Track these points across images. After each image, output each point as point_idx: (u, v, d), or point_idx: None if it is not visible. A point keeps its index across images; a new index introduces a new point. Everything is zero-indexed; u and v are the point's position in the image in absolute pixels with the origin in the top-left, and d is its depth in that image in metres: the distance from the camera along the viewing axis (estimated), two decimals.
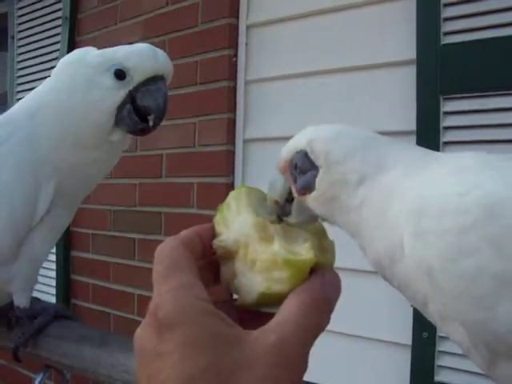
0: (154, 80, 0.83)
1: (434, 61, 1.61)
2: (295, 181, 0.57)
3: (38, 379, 0.71)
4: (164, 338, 0.36)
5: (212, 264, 0.45)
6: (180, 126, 2.28)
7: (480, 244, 0.47)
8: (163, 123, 2.37)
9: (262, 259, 0.40)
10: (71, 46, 2.87)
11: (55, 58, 2.96)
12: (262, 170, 2.08)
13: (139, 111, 0.83)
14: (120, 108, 0.82)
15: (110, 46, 2.68)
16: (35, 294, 0.88)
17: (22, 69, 3.24)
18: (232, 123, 2.14)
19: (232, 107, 2.14)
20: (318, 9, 1.93)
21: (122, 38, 2.60)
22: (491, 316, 0.46)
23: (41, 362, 0.69)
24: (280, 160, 0.59)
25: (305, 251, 0.40)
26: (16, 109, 0.91)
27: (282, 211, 0.52)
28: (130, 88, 0.82)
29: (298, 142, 0.59)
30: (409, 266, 0.52)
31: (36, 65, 3.11)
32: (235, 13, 2.15)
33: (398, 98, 1.73)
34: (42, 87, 0.89)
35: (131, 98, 0.83)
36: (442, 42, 1.61)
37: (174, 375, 0.34)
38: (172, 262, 0.40)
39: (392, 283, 0.59)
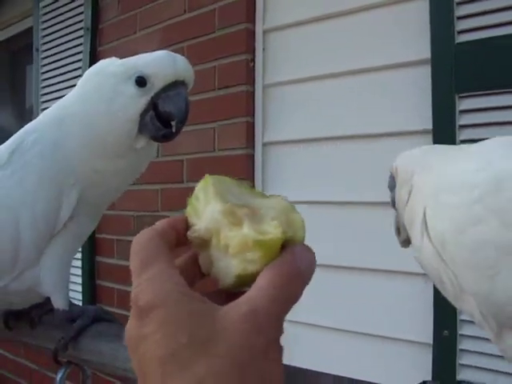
0: (175, 85, 0.84)
1: (448, 60, 1.61)
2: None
3: (60, 375, 0.74)
4: (145, 321, 0.38)
5: (196, 258, 0.46)
6: (200, 131, 2.31)
7: (486, 216, 0.49)
8: (185, 129, 2.41)
9: (233, 243, 0.42)
10: (93, 56, 2.93)
11: (78, 68, 3.03)
12: (281, 173, 2.10)
13: (161, 117, 0.84)
14: (143, 115, 0.83)
15: (130, 55, 2.73)
16: None
17: (46, 80, 3.31)
18: (251, 127, 2.17)
19: (250, 111, 2.17)
20: (333, 12, 1.94)
21: (142, 46, 2.65)
22: (493, 285, 0.48)
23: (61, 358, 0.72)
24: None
25: (273, 229, 0.42)
26: (42, 118, 0.93)
27: None
28: (152, 95, 0.83)
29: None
30: (428, 241, 0.55)
31: (59, 75, 3.18)
32: (252, 18, 2.18)
33: (413, 97, 1.73)
34: (67, 97, 0.91)
35: (153, 104, 0.84)
36: (457, 41, 1.61)
37: (157, 354, 0.37)
38: (148, 252, 0.42)
39: (422, 266, 0.63)
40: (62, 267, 0.89)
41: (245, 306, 0.39)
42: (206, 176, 0.47)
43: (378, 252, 1.78)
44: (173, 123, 0.85)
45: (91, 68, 0.90)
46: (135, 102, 0.82)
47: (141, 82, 0.81)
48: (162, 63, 0.83)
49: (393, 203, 0.71)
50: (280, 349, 0.41)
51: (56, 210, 0.84)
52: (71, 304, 0.88)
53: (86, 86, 0.87)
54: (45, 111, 0.96)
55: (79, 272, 2.92)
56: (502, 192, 0.50)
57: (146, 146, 0.87)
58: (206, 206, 0.45)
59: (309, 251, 0.43)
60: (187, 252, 0.48)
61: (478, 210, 0.50)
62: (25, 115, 4.13)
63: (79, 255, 2.94)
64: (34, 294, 0.88)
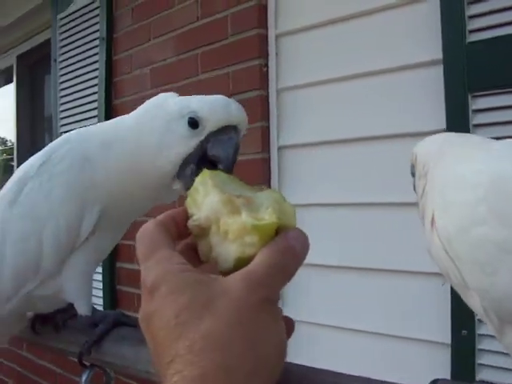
0: (227, 130, 0.79)
1: (460, 59, 1.62)
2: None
3: (84, 377, 0.76)
4: (154, 297, 0.43)
5: (192, 246, 0.50)
6: None
7: (488, 215, 0.51)
8: None
9: (232, 229, 0.46)
10: (109, 65, 2.98)
11: (95, 77, 3.07)
12: (296, 176, 2.12)
13: (207, 161, 0.79)
14: (186, 159, 0.80)
15: (145, 63, 2.77)
16: None
17: (63, 89, 3.37)
18: (266, 131, 2.18)
19: (265, 115, 2.18)
20: (344, 15, 1.96)
21: (156, 54, 2.68)
22: (492, 281, 0.50)
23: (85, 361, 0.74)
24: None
25: (268, 216, 0.46)
26: (82, 132, 0.93)
27: None
28: (202, 138, 0.79)
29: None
30: (436, 237, 0.58)
31: (76, 84, 3.23)
32: (264, 23, 2.20)
33: (426, 98, 1.74)
34: (120, 121, 0.90)
35: (202, 149, 0.79)
36: (468, 40, 1.61)
37: (164, 321, 0.41)
38: (151, 241, 0.47)
39: (433, 259, 0.65)
40: (84, 277, 0.90)
41: (242, 271, 0.44)
42: (204, 170, 0.52)
43: (396, 253, 1.78)
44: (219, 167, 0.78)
45: (153, 99, 0.87)
46: (185, 142, 0.79)
47: (193, 123, 0.78)
48: (215, 106, 0.79)
49: (414, 189, 0.73)
50: (276, 308, 0.45)
51: (78, 224, 0.85)
52: (94, 310, 0.90)
53: (142, 117, 0.85)
54: (94, 127, 0.96)
55: (100, 277, 2.96)
56: (502, 193, 0.52)
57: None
58: (206, 197, 0.49)
59: (301, 233, 0.47)
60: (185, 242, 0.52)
61: (480, 209, 0.52)
62: (44, 124, 4.20)
63: None
64: (58, 299, 0.92)
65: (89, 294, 0.90)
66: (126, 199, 0.86)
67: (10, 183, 0.91)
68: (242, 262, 0.45)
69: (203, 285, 0.43)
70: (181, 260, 0.45)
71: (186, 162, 0.80)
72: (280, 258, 0.45)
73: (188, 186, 0.77)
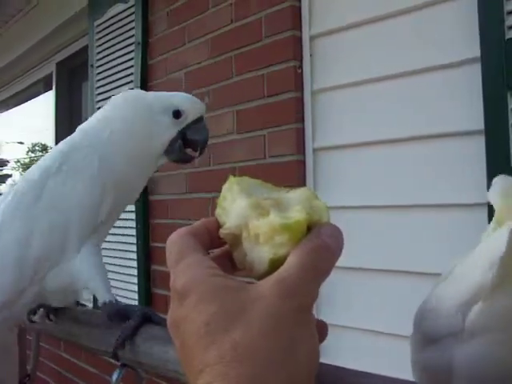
0: (200, 119, 1.05)
1: (499, 57, 1.57)
2: None
3: (115, 377, 0.76)
4: (183, 304, 0.41)
5: (228, 255, 0.49)
6: (250, 139, 2.33)
7: None
8: (235, 137, 2.44)
9: (263, 231, 0.44)
10: (145, 69, 3.01)
11: (130, 82, 3.11)
12: (332, 178, 2.09)
13: (187, 144, 1.05)
14: (172, 142, 1.04)
15: (180, 66, 2.80)
16: None
17: (100, 94, 3.42)
18: (301, 133, 2.17)
19: (300, 117, 2.17)
20: (379, 14, 1.93)
21: (190, 57, 2.70)
22: None
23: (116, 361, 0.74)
24: None
25: (297, 213, 0.44)
26: (88, 130, 1.09)
27: None
28: (183, 126, 1.03)
29: None
30: None
31: (112, 89, 3.27)
32: (298, 24, 2.18)
33: (464, 97, 1.70)
34: (107, 114, 1.09)
35: (181, 133, 1.04)
36: (507, 37, 1.57)
37: (194, 328, 0.40)
38: (181, 247, 0.46)
39: None
40: (98, 260, 1.02)
41: (274, 276, 0.42)
42: (230, 177, 0.50)
43: (433, 255, 1.74)
44: (198, 149, 1.06)
45: (119, 96, 1.09)
46: (169, 130, 1.03)
47: (177, 114, 1.02)
48: (193, 101, 1.05)
49: None
50: (309, 314, 0.42)
51: (98, 210, 1.01)
52: (117, 301, 0.95)
53: (125, 111, 1.05)
54: (87, 123, 1.12)
55: (135, 280, 2.99)
56: None
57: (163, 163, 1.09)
58: (233, 204, 0.48)
59: (335, 228, 0.45)
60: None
61: None
62: None
63: (135, 263, 3.01)
64: (71, 291, 1.01)
65: (107, 280, 1.00)
66: (127, 183, 1.04)
67: (23, 184, 1.04)
68: (276, 264, 0.43)
69: (234, 291, 0.41)
70: (211, 264, 0.44)
71: (170, 144, 1.03)
72: (313, 257, 0.42)
73: (180, 157, 1.06)
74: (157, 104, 1.02)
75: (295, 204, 0.46)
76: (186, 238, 0.47)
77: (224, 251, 0.49)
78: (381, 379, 0.46)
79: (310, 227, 0.44)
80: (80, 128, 1.11)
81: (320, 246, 0.43)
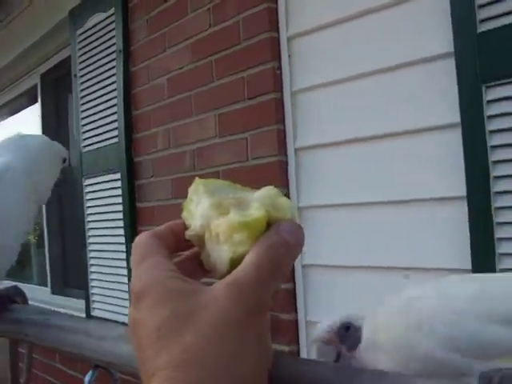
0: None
1: (472, 50, 1.59)
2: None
3: (88, 378, 0.76)
4: (139, 307, 0.41)
5: (196, 255, 0.48)
6: (233, 142, 2.35)
7: None
8: (218, 141, 2.44)
9: (222, 230, 0.43)
10: (127, 77, 3.02)
11: (113, 90, 3.12)
12: (314, 177, 2.11)
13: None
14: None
15: (162, 73, 2.80)
16: None
17: (84, 103, 3.43)
18: (282, 134, 2.18)
19: (281, 118, 2.18)
20: (354, 13, 1.95)
21: (172, 63, 2.71)
22: None
23: (89, 363, 0.74)
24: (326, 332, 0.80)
25: (256, 211, 0.44)
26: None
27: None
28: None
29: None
30: None
31: (97, 98, 3.28)
32: (275, 26, 2.20)
33: (440, 91, 1.72)
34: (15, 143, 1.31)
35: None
36: (479, 30, 1.58)
37: (148, 331, 0.40)
38: (143, 249, 0.45)
39: None
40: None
41: (228, 277, 0.41)
42: (196, 179, 0.49)
43: (417, 249, 1.76)
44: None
45: (15, 137, 1.32)
46: (59, 169, 1.37)
47: (65, 160, 1.39)
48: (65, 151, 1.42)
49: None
50: (263, 318, 0.42)
51: (29, 219, 1.25)
52: None
53: (22, 151, 1.26)
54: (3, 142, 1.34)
55: (126, 288, 2.99)
56: None
57: None
58: (198, 205, 0.47)
59: (294, 224, 0.45)
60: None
61: None
62: (69, 140, 4.27)
63: (125, 271, 3.01)
64: None
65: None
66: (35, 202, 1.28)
67: None
68: (236, 263, 0.43)
69: (188, 294, 0.41)
70: (170, 267, 0.43)
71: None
72: (270, 253, 0.42)
73: (60, 183, 1.39)
74: (53, 151, 1.35)
75: (256, 201, 0.46)
76: (149, 240, 0.46)
77: (194, 253, 0.49)
78: (331, 367, 0.47)
79: (270, 224, 0.44)
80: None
81: (278, 242, 0.43)
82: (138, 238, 0.47)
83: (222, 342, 0.39)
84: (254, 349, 0.41)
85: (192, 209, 0.48)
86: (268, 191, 0.47)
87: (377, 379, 0.44)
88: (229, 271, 0.43)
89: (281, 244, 0.43)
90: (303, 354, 2.08)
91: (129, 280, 2.97)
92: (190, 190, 0.49)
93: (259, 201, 0.45)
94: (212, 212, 0.45)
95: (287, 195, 2.14)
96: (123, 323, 2.20)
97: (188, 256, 0.50)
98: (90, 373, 0.77)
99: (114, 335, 0.68)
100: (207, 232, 0.45)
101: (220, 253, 0.44)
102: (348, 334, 0.73)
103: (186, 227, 0.48)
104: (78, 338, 0.76)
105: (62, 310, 3.19)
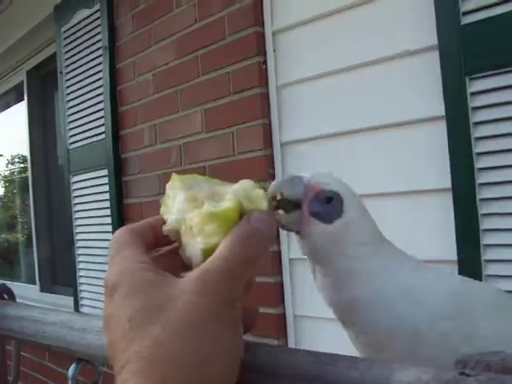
0: None
1: (456, 43, 1.60)
2: (312, 201, 0.60)
3: (71, 372, 0.76)
4: (112, 300, 0.42)
5: (175, 250, 0.49)
6: (219, 137, 2.35)
7: None
8: (204, 136, 2.44)
9: (195, 222, 0.44)
10: (113, 73, 3.00)
11: (100, 87, 3.11)
12: (300, 171, 2.11)
13: None
14: None
15: (147, 68, 2.80)
16: None
17: (71, 100, 3.41)
18: (268, 128, 2.18)
19: (266, 112, 2.18)
20: (338, 7, 1.95)
21: (158, 59, 2.70)
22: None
23: (72, 356, 0.74)
24: (315, 181, 0.62)
25: (227, 202, 0.44)
26: None
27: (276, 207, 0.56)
28: None
29: (341, 185, 0.65)
30: None
31: (83, 95, 3.27)
32: (260, 21, 2.20)
33: (424, 84, 1.72)
34: None
35: None
36: (462, 23, 1.59)
37: (118, 326, 0.40)
38: (119, 243, 0.46)
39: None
40: None
41: (197, 270, 0.41)
42: (173, 175, 0.50)
43: (398, 242, 1.77)
44: None
45: None
46: None
47: None
48: None
49: (315, 214, 0.61)
50: (234, 312, 0.41)
51: None
52: None
53: None
54: None
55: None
56: None
57: None
58: (174, 200, 0.48)
59: (265, 214, 0.45)
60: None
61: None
62: (56, 138, 4.25)
63: None
64: None
65: None
66: None
67: None
68: (208, 254, 0.42)
69: (159, 286, 0.40)
70: (142, 259, 0.43)
71: None
72: (241, 244, 0.42)
73: None
74: None
75: (229, 193, 0.46)
76: (125, 234, 0.47)
77: (173, 248, 0.49)
78: (310, 354, 0.47)
79: (243, 215, 0.44)
80: None
81: (248, 231, 0.42)
82: (115, 233, 0.47)
83: (190, 337, 0.38)
84: (225, 343, 0.40)
85: (169, 204, 0.49)
86: (243, 184, 0.47)
87: (353, 364, 0.45)
88: (202, 263, 0.43)
89: (251, 233, 0.43)
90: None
91: None
92: (168, 185, 0.50)
93: (233, 193, 0.45)
94: (187, 205, 0.46)
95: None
96: None
97: (168, 251, 0.50)
98: (74, 366, 0.77)
99: (98, 328, 0.68)
100: (183, 225, 0.46)
101: (194, 245, 0.44)
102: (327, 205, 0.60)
103: (164, 222, 0.48)
104: (63, 331, 0.76)
105: (51, 308, 3.17)
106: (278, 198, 0.56)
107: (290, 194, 0.58)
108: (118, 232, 0.47)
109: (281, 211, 0.57)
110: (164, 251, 0.50)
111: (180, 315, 0.39)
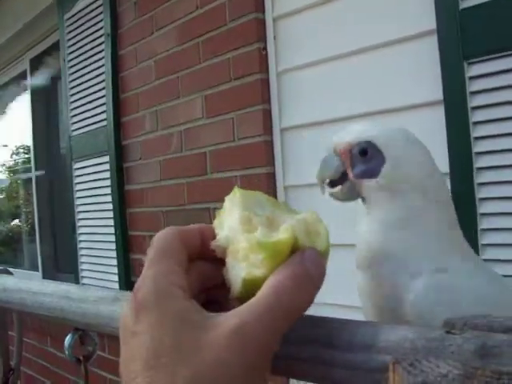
0: None
1: (454, 27, 1.60)
2: (353, 165, 0.61)
3: (67, 342, 0.78)
4: (139, 318, 0.38)
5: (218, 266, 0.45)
6: (219, 123, 2.36)
7: None
8: (205, 122, 2.45)
9: (242, 247, 0.41)
10: (115, 60, 3.01)
11: (101, 74, 3.12)
12: (300, 157, 2.12)
13: None
14: None
15: (149, 55, 2.81)
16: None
17: (74, 87, 3.42)
18: (268, 114, 2.19)
19: (266, 98, 2.19)
20: None
21: (159, 45, 2.71)
22: None
23: (69, 325, 0.76)
24: (341, 143, 0.62)
25: (282, 233, 0.40)
26: None
27: (327, 189, 0.59)
28: None
29: (366, 131, 0.62)
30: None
31: (85, 82, 3.28)
32: (261, 7, 2.20)
33: (423, 69, 1.73)
34: None
35: None
36: (461, 7, 1.60)
37: (141, 353, 0.37)
38: (160, 248, 0.42)
39: None
40: None
41: (235, 318, 0.37)
42: (235, 188, 0.46)
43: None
44: None
45: None
46: None
47: None
48: None
49: (362, 173, 0.64)
50: (266, 366, 0.39)
51: None
52: None
53: None
54: None
55: (115, 270, 3.00)
56: None
57: None
58: (229, 216, 0.45)
59: (318, 254, 0.41)
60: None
61: None
62: (58, 126, 4.26)
63: (114, 253, 3.02)
64: None
65: None
66: None
67: None
68: (250, 286, 0.40)
69: (192, 328, 0.37)
70: (179, 281, 0.40)
71: None
72: (290, 290, 0.38)
73: None
74: None
75: (287, 224, 0.41)
76: (171, 238, 0.43)
77: (213, 265, 0.45)
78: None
79: (296, 250, 0.40)
80: None
81: (299, 274, 0.38)
82: (161, 232, 0.43)
83: None
84: None
85: (223, 218, 0.46)
86: (307, 216, 0.43)
87: (342, 326, 0.44)
88: (242, 293, 0.41)
89: (303, 276, 0.39)
90: None
91: (118, 263, 2.99)
92: (227, 197, 0.46)
93: (292, 223, 0.41)
94: (239, 226, 0.43)
95: (273, 175, 2.16)
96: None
97: (210, 265, 0.46)
98: (70, 336, 0.78)
99: (94, 298, 0.69)
100: (231, 245, 0.43)
101: (237, 270, 0.41)
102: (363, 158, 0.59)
103: (215, 236, 0.45)
104: (61, 301, 0.78)
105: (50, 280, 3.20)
106: (327, 182, 0.57)
107: (331, 175, 0.60)
108: (163, 233, 0.43)
109: (336, 188, 0.58)
110: (203, 265, 0.46)
111: (209, 368, 0.36)
